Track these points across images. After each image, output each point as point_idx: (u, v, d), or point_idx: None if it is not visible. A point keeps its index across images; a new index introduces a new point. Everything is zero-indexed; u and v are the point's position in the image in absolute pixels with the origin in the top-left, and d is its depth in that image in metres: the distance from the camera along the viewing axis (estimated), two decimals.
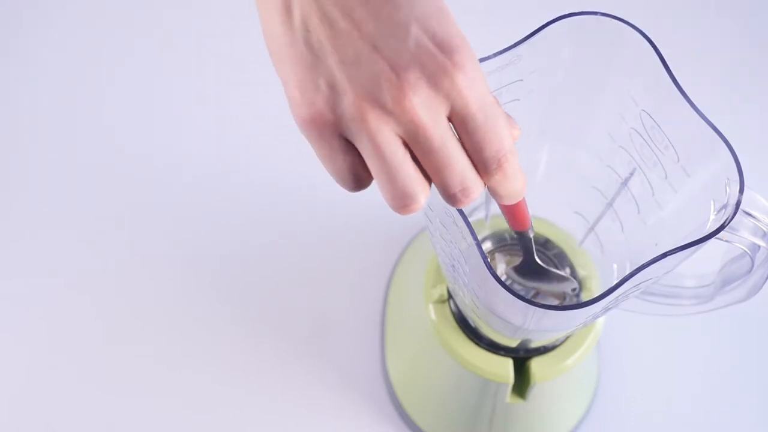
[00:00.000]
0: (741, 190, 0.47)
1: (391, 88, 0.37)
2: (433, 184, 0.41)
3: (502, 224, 0.68)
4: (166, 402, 0.76)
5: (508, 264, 0.67)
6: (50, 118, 0.86)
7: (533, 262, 0.59)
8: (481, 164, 0.40)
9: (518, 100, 0.53)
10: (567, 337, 0.66)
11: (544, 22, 0.48)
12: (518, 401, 0.68)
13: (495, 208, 0.65)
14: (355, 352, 0.78)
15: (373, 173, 0.39)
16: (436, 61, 0.37)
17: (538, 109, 0.55)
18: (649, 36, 0.49)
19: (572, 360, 0.66)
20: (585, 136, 0.58)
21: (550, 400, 0.70)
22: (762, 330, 0.80)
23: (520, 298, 0.47)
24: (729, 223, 0.47)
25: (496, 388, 0.66)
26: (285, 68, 0.39)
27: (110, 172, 0.84)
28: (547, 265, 0.65)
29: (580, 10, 0.49)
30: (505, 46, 0.48)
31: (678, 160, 0.51)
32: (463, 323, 0.66)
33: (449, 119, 0.39)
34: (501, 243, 0.68)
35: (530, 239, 0.55)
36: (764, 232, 0.50)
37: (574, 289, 0.63)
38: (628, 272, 0.46)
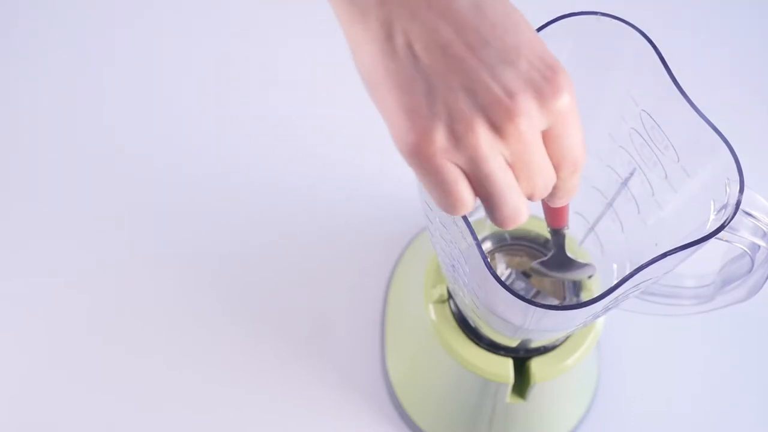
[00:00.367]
0: (741, 190, 0.47)
1: (506, 113, 0.38)
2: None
3: None
4: (166, 402, 0.76)
5: (508, 264, 0.67)
6: (50, 118, 0.86)
7: (563, 256, 0.60)
8: (561, 168, 0.41)
9: None
10: (567, 337, 0.66)
11: (544, 22, 0.48)
12: (518, 401, 0.68)
13: None
14: (355, 352, 0.78)
15: (481, 196, 0.40)
16: (546, 84, 0.38)
17: None
18: (649, 36, 0.49)
19: (572, 360, 0.66)
20: (585, 136, 0.57)
21: (550, 400, 0.70)
22: (762, 330, 0.80)
23: (520, 298, 0.47)
24: (729, 223, 0.47)
25: (496, 388, 0.66)
26: (387, 96, 0.39)
27: (110, 172, 0.84)
28: (549, 245, 0.65)
29: (580, 10, 0.49)
30: None
31: (678, 160, 0.51)
32: (463, 323, 0.66)
33: None
34: (501, 243, 0.68)
35: (564, 235, 0.57)
36: (764, 232, 0.50)
37: (589, 277, 0.63)
38: (628, 272, 0.46)
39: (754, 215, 0.50)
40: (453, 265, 0.55)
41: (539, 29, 0.48)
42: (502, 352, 0.65)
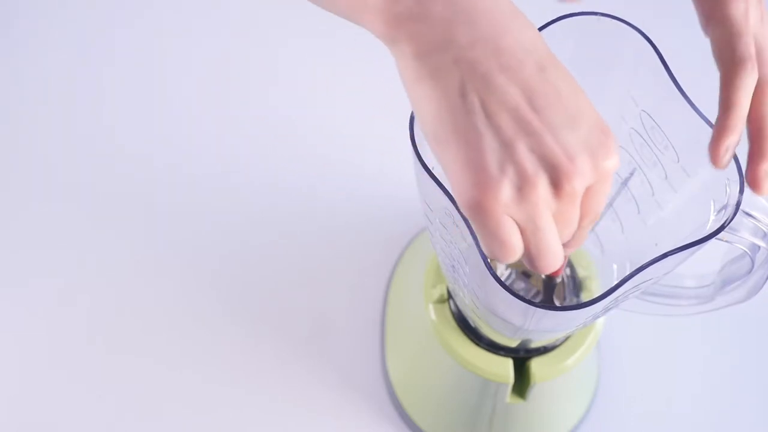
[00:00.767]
0: (741, 191, 0.47)
1: (565, 174, 0.40)
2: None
3: None
4: (166, 402, 0.76)
5: (510, 265, 0.67)
6: (50, 118, 0.86)
7: (551, 305, 0.62)
8: (584, 218, 0.43)
9: None
10: (567, 337, 0.66)
11: (544, 23, 0.48)
12: (518, 401, 0.68)
13: None
14: (355, 352, 0.78)
15: (528, 245, 0.42)
16: (600, 148, 0.41)
17: None
18: (649, 36, 0.49)
19: (572, 360, 0.66)
20: None
21: (550, 400, 0.70)
22: (762, 330, 0.80)
23: (519, 299, 0.47)
24: (729, 223, 0.47)
25: (496, 388, 0.66)
26: (455, 151, 0.40)
27: (110, 172, 0.84)
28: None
29: (580, 11, 0.49)
30: None
31: (678, 161, 0.51)
32: (463, 323, 0.66)
33: None
34: None
35: (556, 285, 0.61)
36: (764, 232, 0.50)
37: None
38: (628, 272, 0.46)
39: (754, 216, 0.50)
40: (453, 266, 0.55)
41: (540, 29, 0.48)
42: (502, 352, 0.65)
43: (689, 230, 0.50)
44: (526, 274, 0.66)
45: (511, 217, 0.41)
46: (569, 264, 0.66)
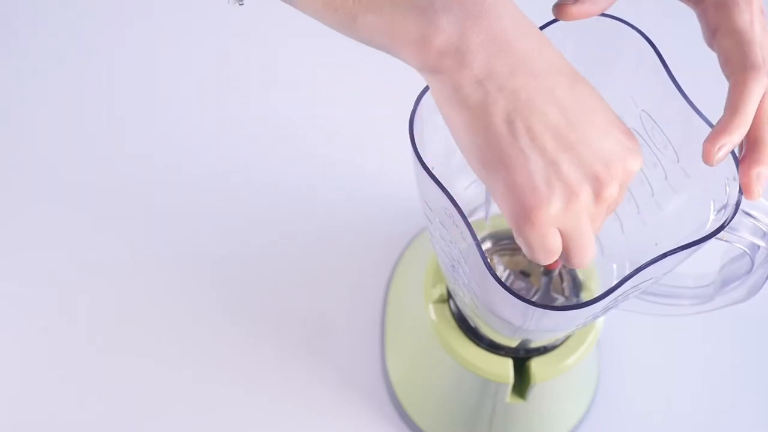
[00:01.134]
0: (741, 191, 0.47)
1: (604, 182, 0.43)
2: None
3: (502, 224, 0.68)
4: (166, 402, 0.76)
5: (507, 264, 0.67)
6: (50, 118, 0.86)
7: (548, 296, 0.64)
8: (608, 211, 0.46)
9: None
10: (567, 337, 0.66)
11: (544, 23, 0.48)
12: (518, 401, 0.68)
13: (495, 209, 0.65)
14: (355, 352, 0.78)
15: (567, 247, 0.45)
16: (629, 153, 0.44)
17: None
18: (649, 36, 0.49)
19: (572, 360, 0.66)
20: None
21: (550, 400, 0.70)
22: (762, 330, 0.80)
23: (519, 298, 0.47)
24: (729, 223, 0.47)
25: (496, 388, 0.66)
26: (503, 175, 0.43)
27: (110, 172, 0.84)
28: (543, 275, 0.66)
29: None
30: None
31: (678, 161, 0.51)
32: (463, 323, 0.66)
33: None
34: (501, 243, 0.68)
35: (553, 277, 0.65)
36: (764, 232, 0.50)
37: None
38: (628, 272, 0.46)
39: (754, 215, 0.50)
40: (453, 266, 0.55)
41: (540, 29, 0.48)
42: (502, 352, 0.65)
43: (689, 230, 0.50)
44: (525, 274, 0.66)
45: (556, 226, 0.44)
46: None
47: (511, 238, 0.68)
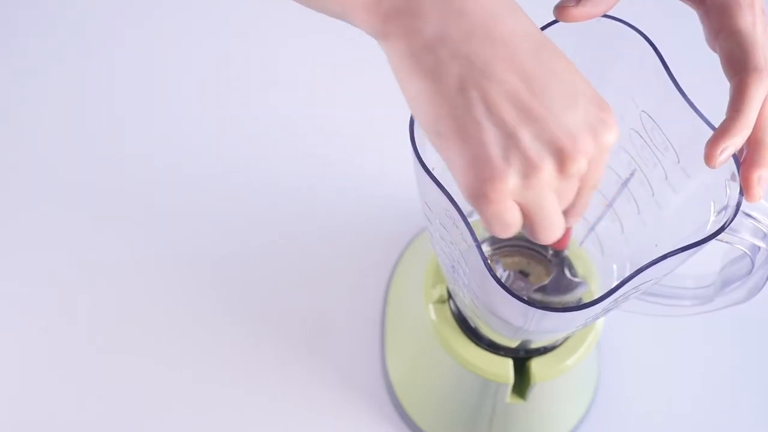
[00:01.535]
0: (741, 192, 0.47)
1: (569, 155, 0.40)
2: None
3: None
4: (166, 402, 0.76)
5: (507, 265, 0.67)
6: (50, 118, 0.86)
7: (563, 278, 0.63)
8: (585, 188, 0.44)
9: None
10: (567, 338, 0.66)
11: (544, 23, 0.48)
12: (518, 401, 0.68)
13: None
14: (355, 352, 0.78)
15: (530, 222, 0.43)
16: (600, 124, 0.41)
17: None
18: (649, 36, 0.49)
19: (572, 360, 0.66)
20: None
21: (550, 400, 0.70)
22: (762, 330, 0.80)
23: (519, 299, 0.47)
24: (729, 224, 0.47)
25: (496, 388, 0.66)
26: (459, 146, 0.40)
27: (110, 172, 0.84)
28: (549, 266, 0.65)
29: None
30: None
31: (678, 161, 0.51)
32: (463, 323, 0.66)
33: None
34: (501, 244, 0.68)
35: (565, 257, 0.62)
36: (764, 233, 0.50)
37: (579, 299, 0.64)
38: (628, 273, 0.46)
39: (754, 216, 0.50)
40: (453, 266, 0.55)
41: (540, 29, 0.48)
42: (502, 353, 0.65)
43: (689, 231, 0.50)
44: (524, 274, 0.66)
45: (515, 200, 0.41)
46: (569, 264, 0.66)
47: (511, 238, 0.68)
